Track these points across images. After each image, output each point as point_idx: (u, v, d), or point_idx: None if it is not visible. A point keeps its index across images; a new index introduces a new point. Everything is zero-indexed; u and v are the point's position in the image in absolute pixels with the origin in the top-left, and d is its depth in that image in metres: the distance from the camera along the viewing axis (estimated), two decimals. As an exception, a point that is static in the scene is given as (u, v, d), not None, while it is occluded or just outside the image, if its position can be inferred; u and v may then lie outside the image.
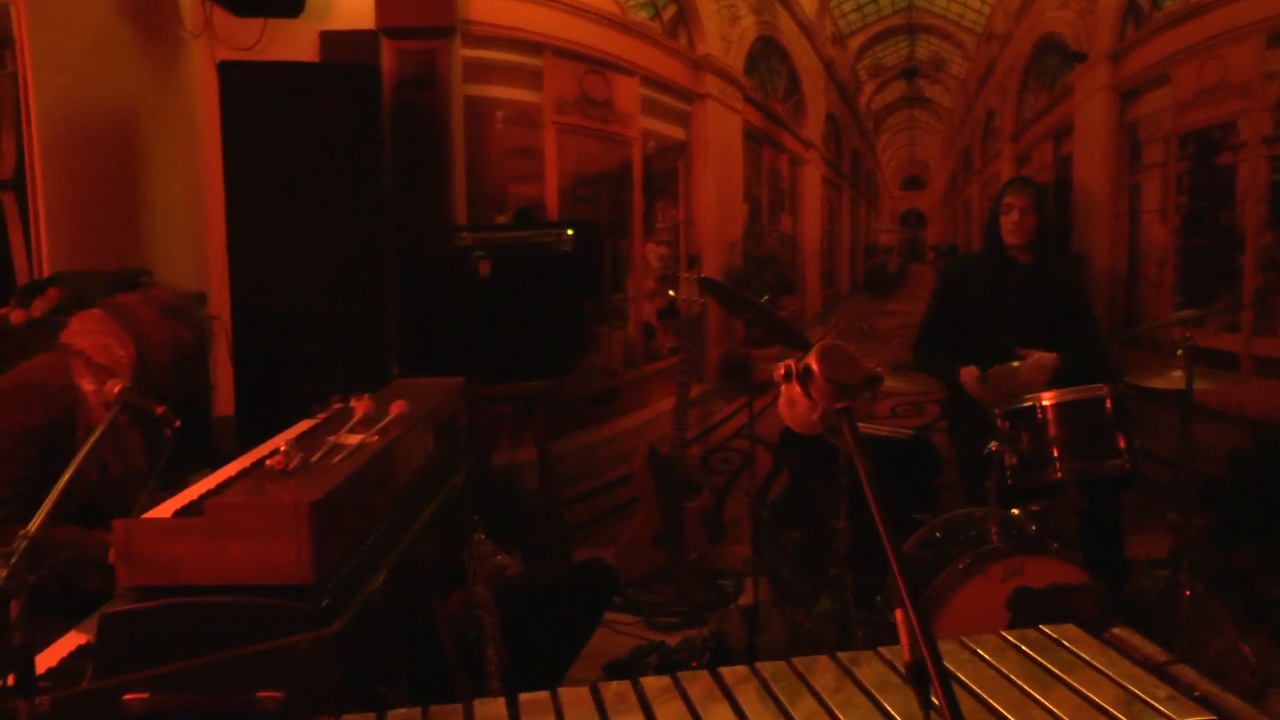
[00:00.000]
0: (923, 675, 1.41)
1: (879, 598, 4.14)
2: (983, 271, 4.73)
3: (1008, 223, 4.62)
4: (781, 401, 1.68)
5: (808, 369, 1.61)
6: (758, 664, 2.07)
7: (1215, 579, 4.57)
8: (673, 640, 4.62)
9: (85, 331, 3.05)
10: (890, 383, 4.82)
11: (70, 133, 4.50)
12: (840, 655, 2.09)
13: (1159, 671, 2.00)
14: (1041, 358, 4.38)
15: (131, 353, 3.03)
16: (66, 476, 2.25)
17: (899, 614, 1.43)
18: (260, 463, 2.60)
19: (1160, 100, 5.39)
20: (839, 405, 1.60)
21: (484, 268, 5.01)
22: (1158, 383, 4.11)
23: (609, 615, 4.68)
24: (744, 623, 4.45)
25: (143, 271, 4.49)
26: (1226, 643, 4.01)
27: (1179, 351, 3.98)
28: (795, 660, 2.08)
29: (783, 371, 1.65)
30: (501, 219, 5.45)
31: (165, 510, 2.50)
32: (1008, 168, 5.55)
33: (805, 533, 4.77)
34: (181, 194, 5.36)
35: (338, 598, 2.22)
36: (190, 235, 5.39)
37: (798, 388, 1.62)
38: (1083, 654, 2.08)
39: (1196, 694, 1.91)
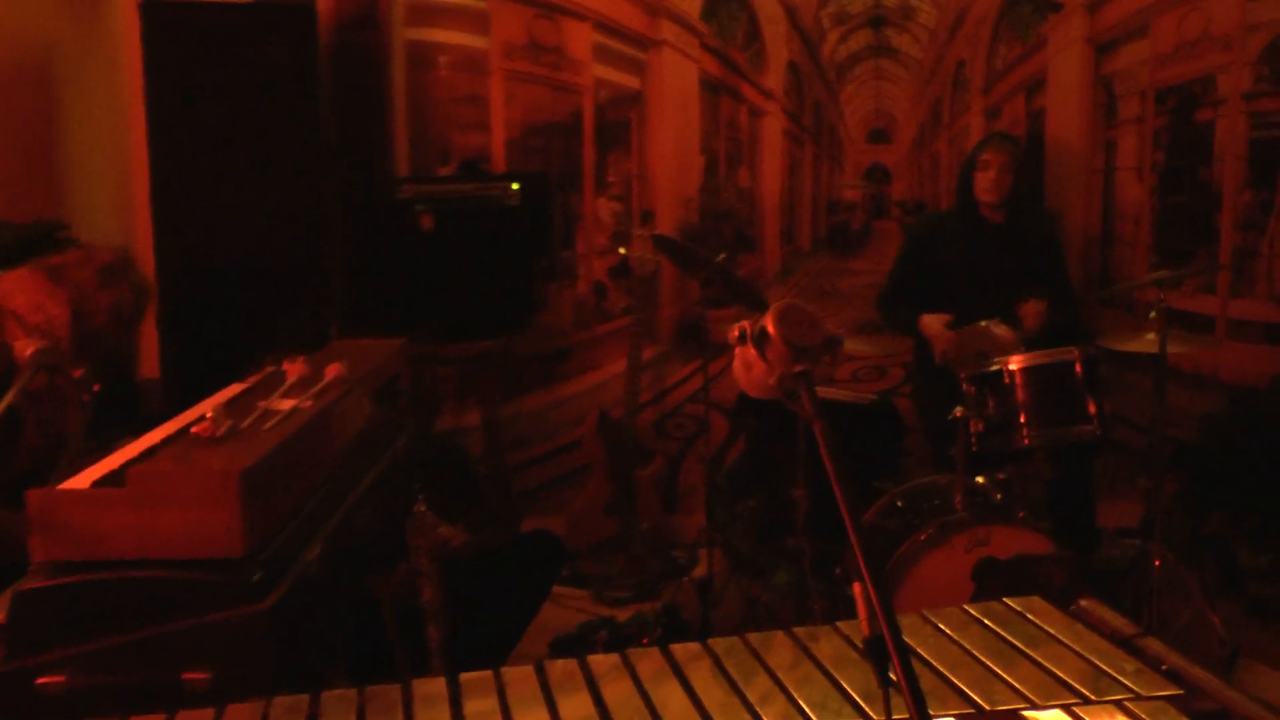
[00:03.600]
0: (881, 651, 1.42)
1: (838, 569, 4.18)
2: (954, 230, 4.74)
3: (984, 180, 4.61)
4: (736, 365, 1.68)
5: (764, 331, 1.60)
6: (710, 640, 2.07)
7: (1187, 547, 4.65)
8: (623, 615, 4.64)
9: (18, 291, 3.01)
10: (853, 345, 4.84)
11: (-19, 76, 4.42)
12: (797, 631, 2.11)
13: (1126, 645, 2.03)
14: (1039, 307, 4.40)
15: (66, 313, 2.99)
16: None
17: (857, 587, 1.44)
18: (187, 429, 2.57)
19: (1138, 53, 5.41)
20: (797, 368, 1.60)
21: (426, 222, 4.97)
22: (1131, 345, 4.15)
23: (557, 589, 4.70)
24: (698, 596, 4.48)
25: (59, 225, 4.42)
26: (1196, 613, 4.08)
27: (1152, 314, 4.02)
28: (750, 636, 2.09)
29: (737, 334, 1.64)
30: (445, 171, 5.41)
31: (83, 479, 2.46)
32: (978, 121, 5.57)
33: (762, 502, 4.79)
34: (103, 142, 5.27)
35: (270, 571, 2.20)
36: (112, 186, 5.30)
37: (753, 350, 1.62)
38: (1048, 627, 2.10)
39: (1164, 667, 1.94)
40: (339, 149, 5.30)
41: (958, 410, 3.95)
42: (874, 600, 1.42)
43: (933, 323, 4.46)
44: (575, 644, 4.36)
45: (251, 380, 3.02)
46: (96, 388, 2.57)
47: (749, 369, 1.64)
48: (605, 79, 5.50)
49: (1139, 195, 5.49)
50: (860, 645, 1.98)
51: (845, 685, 1.89)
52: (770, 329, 1.60)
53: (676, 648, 2.06)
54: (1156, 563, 4.00)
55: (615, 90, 5.53)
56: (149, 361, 4.89)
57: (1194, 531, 4.93)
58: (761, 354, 1.61)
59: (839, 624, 2.13)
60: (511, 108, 5.46)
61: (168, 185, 4.67)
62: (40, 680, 2.06)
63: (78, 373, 2.58)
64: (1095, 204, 5.53)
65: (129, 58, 5.09)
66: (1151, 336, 4.02)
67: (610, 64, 5.49)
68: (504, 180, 5.12)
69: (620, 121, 5.56)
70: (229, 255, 4.69)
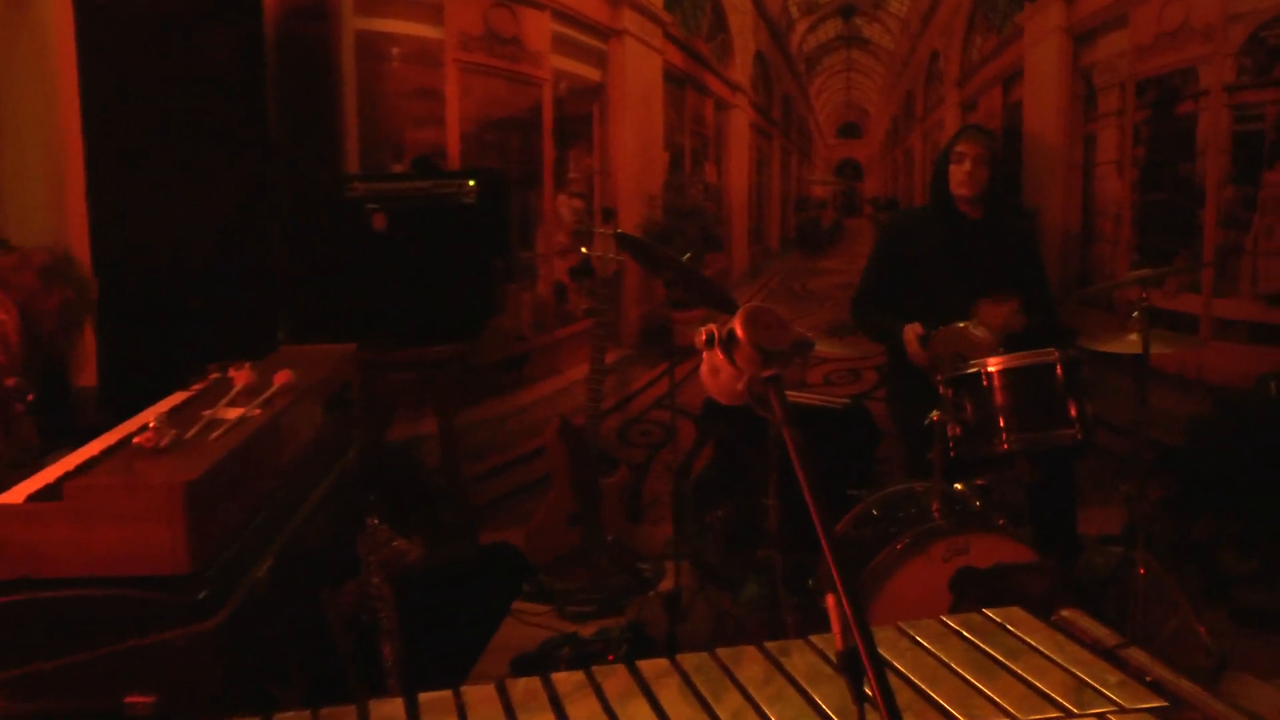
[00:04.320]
0: (855, 665, 1.43)
1: (811, 581, 4.19)
2: (929, 227, 4.76)
3: (958, 173, 4.64)
4: (703, 369, 1.69)
5: (731, 334, 1.61)
6: (679, 656, 2.08)
7: (1172, 553, 4.69)
8: (587, 631, 4.65)
9: None
10: (825, 347, 4.85)
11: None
12: (768, 645, 2.11)
13: (1109, 655, 2.05)
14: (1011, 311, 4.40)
15: (15, 318, 2.96)
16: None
17: (830, 599, 1.45)
18: (128, 440, 2.57)
19: (1117, 44, 5.46)
20: (766, 373, 1.61)
21: (378, 222, 4.96)
22: (1112, 346, 4.19)
23: (518, 604, 4.70)
24: (665, 610, 4.47)
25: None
26: (1181, 622, 4.12)
27: (1135, 314, 4.06)
28: (720, 651, 2.09)
29: (704, 337, 1.65)
30: (398, 168, 5.40)
31: (18, 494, 2.45)
32: (953, 115, 5.60)
33: (731, 511, 4.80)
34: (35, 138, 5.22)
35: (217, 589, 2.20)
36: (45, 185, 5.26)
37: (720, 354, 1.63)
38: (1028, 638, 2.12)
39: (1148, 679, 1.95)
40: (286, 145, 5.28)
41: (934, 414, 3.97)
42: (847, 612, 1.43)
43: (911, 334, 4.46)
44: (537, 662, 4.35)
45: (196, 388, 3.02)
46: (31, 397, 2.55)
47: (716, 374, 1.65)
48: (565, 71, 5.50)
49: (1119, 191, 5.54)
50: (834, 659, 2.01)
51: (819, 701, 1.90)
52: (738, 332, 1.61)
53: (643, 664, 2.06)
54: (1140, 570, 4.04)
55: (575, 83, 5.53)
56: (86, 369, 4.85)
57: (1179, 538, 4.97)
58: (729, 358, 1.62)
59: (812, 638, 2.13)
60: (467, 101, 5.45)
61: (105, 184, 4.64)
62: (-26, 706, 2.05)
63: (10, 381, 2.56)
64: (1074, 200, 5.57)
65: (62, 49, 5.05)
66: (1134, 337, 4.06)
67: (570, 55, 5.49)
68: (460, 177, 5.11)
69: (581, 115, 5.56)
70: (170, 257, 4.66)
